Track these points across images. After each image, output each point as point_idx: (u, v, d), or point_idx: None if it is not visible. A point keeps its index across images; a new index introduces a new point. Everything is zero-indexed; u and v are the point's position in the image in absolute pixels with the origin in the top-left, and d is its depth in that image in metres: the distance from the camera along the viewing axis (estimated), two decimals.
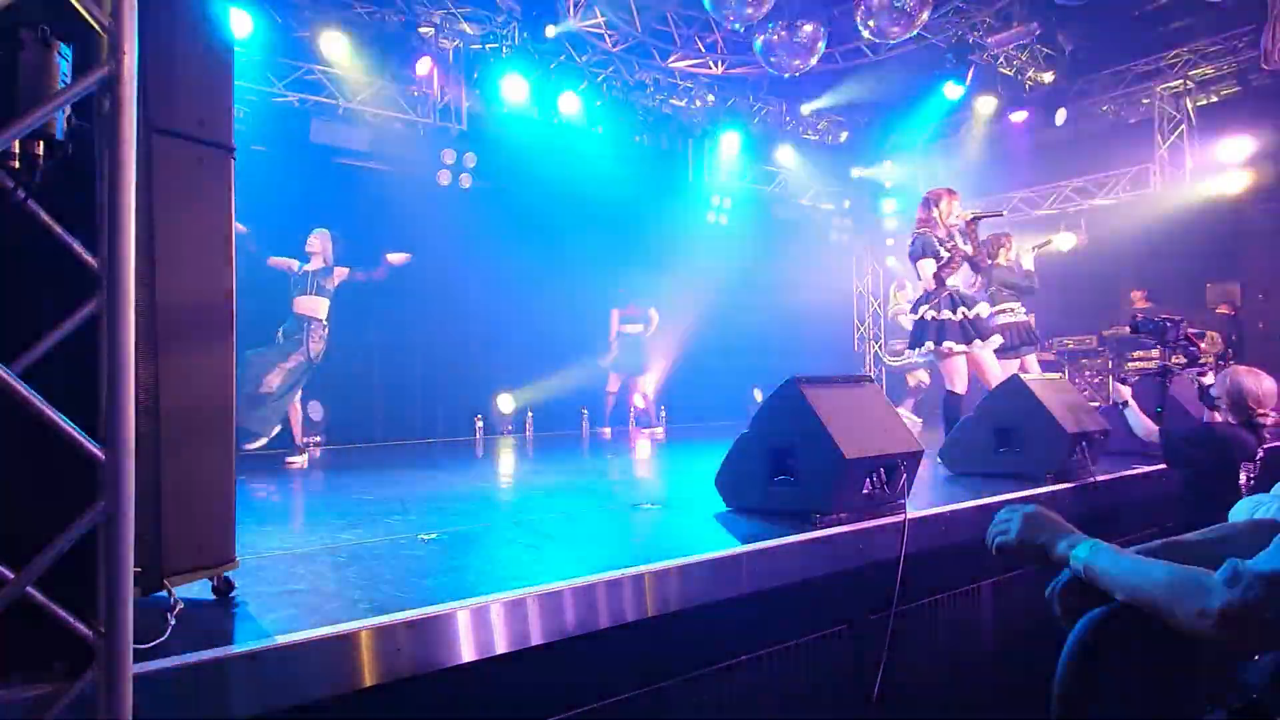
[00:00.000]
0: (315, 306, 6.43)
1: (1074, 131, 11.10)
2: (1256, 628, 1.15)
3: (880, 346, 12.63)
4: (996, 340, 5.46)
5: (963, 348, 5.28)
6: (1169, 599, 1.24)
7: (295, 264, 6.50)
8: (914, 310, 5.57)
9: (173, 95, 1.91)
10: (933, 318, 5.33)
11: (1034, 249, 6.80)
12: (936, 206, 5.48)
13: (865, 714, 2.81)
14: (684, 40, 9.49)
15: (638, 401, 9.50)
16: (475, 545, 2.94)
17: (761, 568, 2.56)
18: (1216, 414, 3.94)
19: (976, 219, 5.53)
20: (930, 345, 5.32)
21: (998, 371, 5.37)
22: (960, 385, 5.37)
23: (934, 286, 5.36)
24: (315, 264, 6.49)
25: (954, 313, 5.32)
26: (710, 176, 11.14)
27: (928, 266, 5.37)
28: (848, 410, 3.17)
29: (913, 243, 5.50)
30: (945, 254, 5.35)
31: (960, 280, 5.54)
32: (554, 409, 9.48)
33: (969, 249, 5.44)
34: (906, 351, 5.46)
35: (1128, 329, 4.76)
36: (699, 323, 10.66)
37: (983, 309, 5.47)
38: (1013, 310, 6.47)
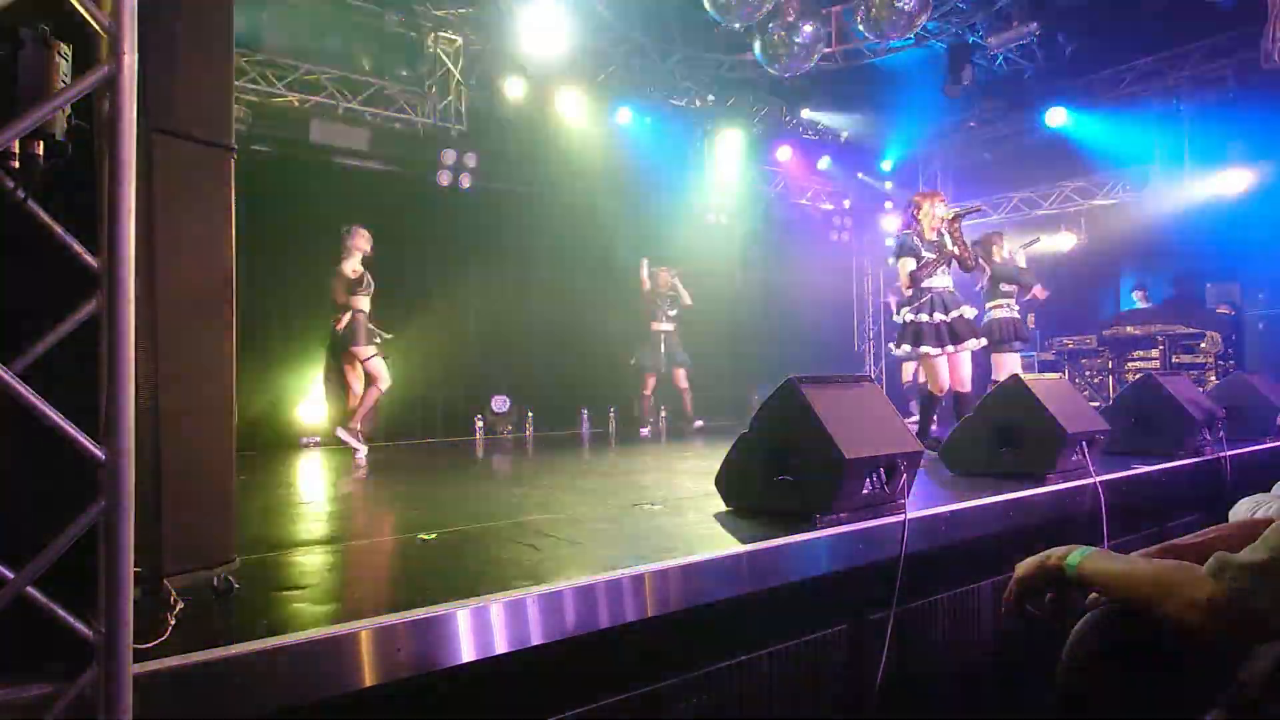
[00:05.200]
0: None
1: (1074, 131, 11.09)
2: (1244, 617, 1.16)
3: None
4: (975, 343, 5.53)
5: (937, 351, 5.39)
6: (1159, 593, 1.25)
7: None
8: (897, 312, 5.70)
9: (173, 95, 1.91)
10: (910, 321, 5.46)
11: (1023, 247, 7.25)
12: (919, 210, 5.59)
13: (865, 714, 2.81)
14: (684, 40, 9.47)
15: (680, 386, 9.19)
16: (475, 545, 2.93)
17: (761, 568, 2.56)
18: None
19: (958, 217, 5.58)
20: (907, 348, 5.46)
21: (964, 375, 5.51)
22: (936, 386, 5.50)
23: (909, 286, 5.47)
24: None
25: (931, 316, 5.42)
26: (710, 176, 11.13)
27: (906, 266, 5.47)
28: (848, 410, 3.16)
29: (895, 244, 5.66)
30: (927, 255, 5.44)
31: (951, 281, 5.63)
32: (554, 409, 9.47)
33: (955, 249, 5.50)
34: (899, 350, 5.62)
35: None
36: (698, 323, 10.65)
37: (967, 311, 5.53)
38: (1006, 306, 6.91)
